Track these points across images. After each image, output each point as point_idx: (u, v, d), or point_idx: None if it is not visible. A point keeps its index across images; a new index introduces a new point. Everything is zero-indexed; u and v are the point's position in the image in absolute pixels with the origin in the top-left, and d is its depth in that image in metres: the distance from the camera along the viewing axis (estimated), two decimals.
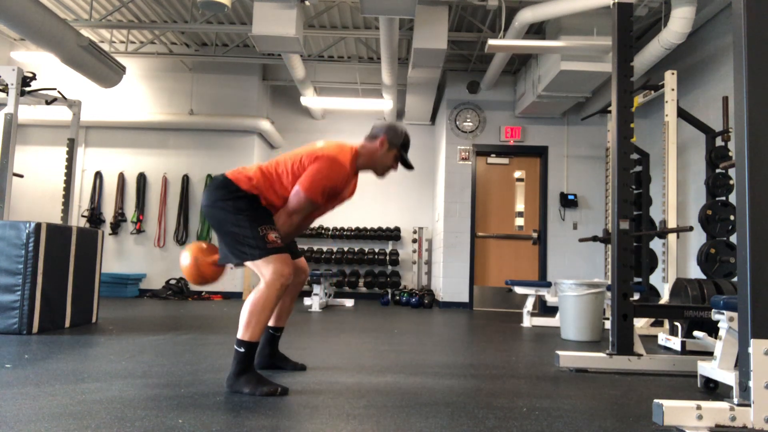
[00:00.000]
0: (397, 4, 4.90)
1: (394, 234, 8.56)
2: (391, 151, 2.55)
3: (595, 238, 6.15)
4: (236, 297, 7.89)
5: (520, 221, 7.72)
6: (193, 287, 7.86)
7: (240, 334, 2.26)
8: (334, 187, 2.44)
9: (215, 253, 2.47)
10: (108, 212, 8.13)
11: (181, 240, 8.05)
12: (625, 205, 3.13)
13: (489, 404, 2.18)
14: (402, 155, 2.58)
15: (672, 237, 4.90)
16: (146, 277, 8.00)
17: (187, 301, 7.17)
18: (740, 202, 1.82)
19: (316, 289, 6.44)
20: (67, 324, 4.11)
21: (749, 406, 1.75)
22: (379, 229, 8.60)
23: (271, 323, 2.69)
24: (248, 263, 2.32)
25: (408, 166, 2.61)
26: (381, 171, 2.61)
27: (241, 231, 2.31)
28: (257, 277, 2.34)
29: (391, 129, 2.57)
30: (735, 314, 2.14)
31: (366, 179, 8.33)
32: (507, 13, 5.84)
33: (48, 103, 5.29)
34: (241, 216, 2.32)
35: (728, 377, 2.22)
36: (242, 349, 2.25)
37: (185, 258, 2.48)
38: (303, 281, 2.75)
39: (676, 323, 3.95)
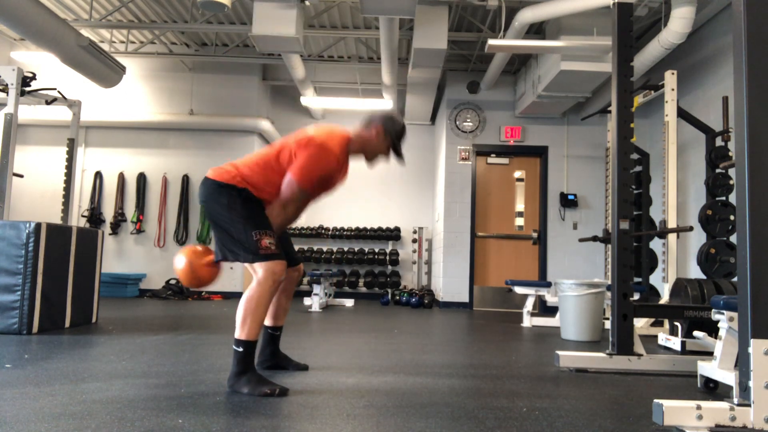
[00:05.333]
0: (397, 4, 4.90)
1: (394, 234, 8.56)
2: (386, 140, 2.55)
3: (595, 238, 6.15)
4: (236, 297, 7.88)
5: (520, 221, 7.72)
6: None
7: (237, 334, 2.26)
8: (326, 174, 2.45)
9: (210, 255, 2.47)
10: (108, 212, 8.13)
11: (181, 240, 8.06)
12: (625, 205, 3.13)
13: (489, 404, 2.18)
14: (396, 145, 2.58)
15: (672, 237, 4.90)
16: (146, 277, 8.01)
17: (187, 301, 7.17)
18: (740, 202, 1.82)
19: (316, 289, 6.43)
20: (67, 324, 4.11)
21: (749, 406, 1.75)
22: (379, 229, 8.59)
23: (269, 323, 2.69)
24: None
25: (400, 156, 2.61)
26: (372, 158, 2.62)
27: (235, 232, 2.31)
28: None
29: (388, 118, 2.57)
30: (735, 314, 2.14)
31: (366, 179, 8.39)
32: (507, 13, 5.84)
33: (48, 103, 5.29)
34: (235, 216, 2.32)
35: (728, 377, 2.22)
36: (240, 349, 2.25)
37: (180, 261, 2.45)
38: (296, 278, 2.74)
39: (676, 323, 3.94)
